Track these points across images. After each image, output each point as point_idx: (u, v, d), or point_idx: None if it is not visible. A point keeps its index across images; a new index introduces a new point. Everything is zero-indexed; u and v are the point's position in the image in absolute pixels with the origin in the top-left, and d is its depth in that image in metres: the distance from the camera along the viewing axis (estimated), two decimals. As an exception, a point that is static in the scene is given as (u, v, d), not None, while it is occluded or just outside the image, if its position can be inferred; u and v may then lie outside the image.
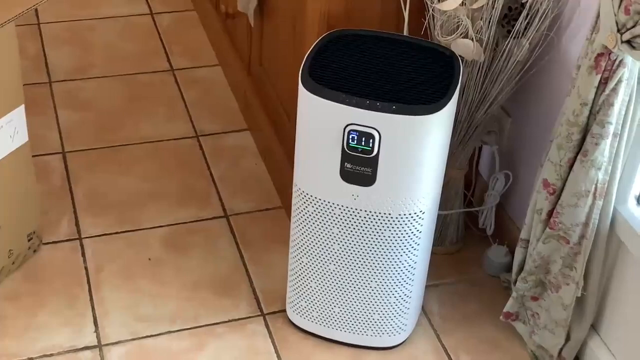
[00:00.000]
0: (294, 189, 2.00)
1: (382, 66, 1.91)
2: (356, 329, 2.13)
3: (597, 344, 2.11)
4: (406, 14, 2.04)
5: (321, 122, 1.87)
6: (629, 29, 1.69)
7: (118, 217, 2.46)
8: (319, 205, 1.96)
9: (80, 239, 2.38)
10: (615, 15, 1.70)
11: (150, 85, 2.93)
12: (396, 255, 1.99)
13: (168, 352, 2.13)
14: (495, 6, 1.97)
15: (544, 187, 1.97)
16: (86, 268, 2.31)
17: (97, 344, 2.13)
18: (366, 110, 1.81)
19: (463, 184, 2.35)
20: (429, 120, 1.83)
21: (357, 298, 2.07)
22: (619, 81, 1.78)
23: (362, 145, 1.85)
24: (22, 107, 2.09)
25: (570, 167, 1.90)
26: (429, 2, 2.01)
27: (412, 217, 1.94)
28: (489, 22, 1.99)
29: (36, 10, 3.15)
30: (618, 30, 1.71)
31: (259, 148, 2.71)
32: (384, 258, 1.99)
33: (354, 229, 1.96)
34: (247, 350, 2.15)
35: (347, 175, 1.90)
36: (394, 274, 2.02)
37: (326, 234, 1.99)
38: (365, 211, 1.93)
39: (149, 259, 2.34)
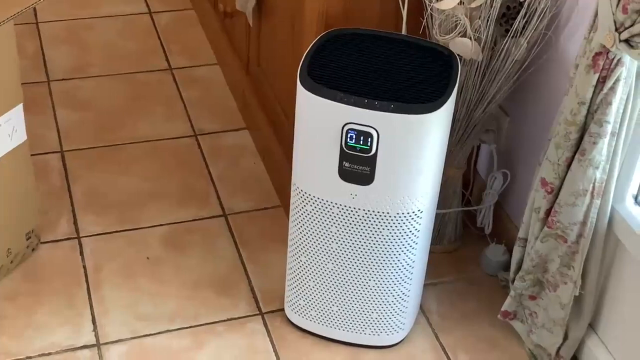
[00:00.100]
0: (292, 188, 2.00)
1: (381, 65, 1.91)
2: (354, 327, 2.13)
3: (595, 343, 2.11)
4: (404, 13, 2.04)
5: (319, 121, 1.87)
6: (627, 27, 1.69)
7: (117, 216, 2.45)
8: (318, 204, 1.96)
9: (78, 238, 2.38)
10: (613, 14, 1.70)
11: (149, 85, 2.93)
12: (394, 254, 1.99)
13: (167, 350, 2.13)
14: (494, 5, 1.97)
15: (542, 186, 1.97)
16: (85, 267, 2.31)
17: (95, 342, 2.13)
18: (364, 109, 1.81)
19: (461, 182, 2.35)
20: (427, 119, 1.83)
21: (356, 297, 2.07)
22: (617, 80, 1.78)
23: (360, 144, 1.85)
24: (20, 106, 2.09)
25: (568, 166, 1.90)
26: (427, 1, 2.01)
27: (410, 216, 1.94)
28: (487, 21, 1.99)
29: (34, 9, 3.15)
30: (616, 29, 1.71)
31: (258, 147, 2.71)
32: (382, 257, 1.99)
33: (353, 228, 1.96)
34: (246, 349, 2.15)
35: (346, 174, 1.90)
36: (392, 272, 2.02)
37: (325, 233, 1.99)
38: (364, 210, 1.93)
39: (147, 258, 2.34)
